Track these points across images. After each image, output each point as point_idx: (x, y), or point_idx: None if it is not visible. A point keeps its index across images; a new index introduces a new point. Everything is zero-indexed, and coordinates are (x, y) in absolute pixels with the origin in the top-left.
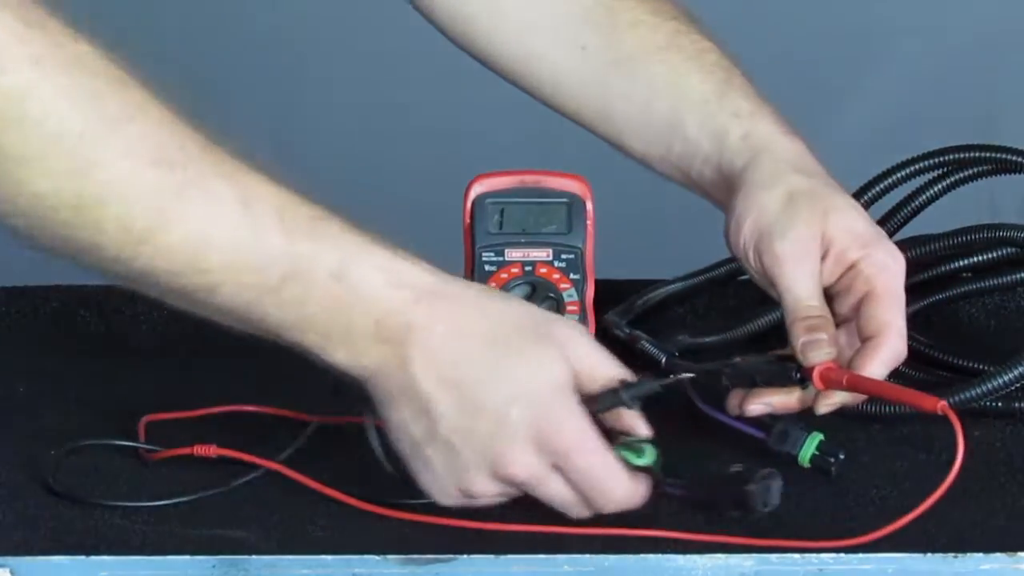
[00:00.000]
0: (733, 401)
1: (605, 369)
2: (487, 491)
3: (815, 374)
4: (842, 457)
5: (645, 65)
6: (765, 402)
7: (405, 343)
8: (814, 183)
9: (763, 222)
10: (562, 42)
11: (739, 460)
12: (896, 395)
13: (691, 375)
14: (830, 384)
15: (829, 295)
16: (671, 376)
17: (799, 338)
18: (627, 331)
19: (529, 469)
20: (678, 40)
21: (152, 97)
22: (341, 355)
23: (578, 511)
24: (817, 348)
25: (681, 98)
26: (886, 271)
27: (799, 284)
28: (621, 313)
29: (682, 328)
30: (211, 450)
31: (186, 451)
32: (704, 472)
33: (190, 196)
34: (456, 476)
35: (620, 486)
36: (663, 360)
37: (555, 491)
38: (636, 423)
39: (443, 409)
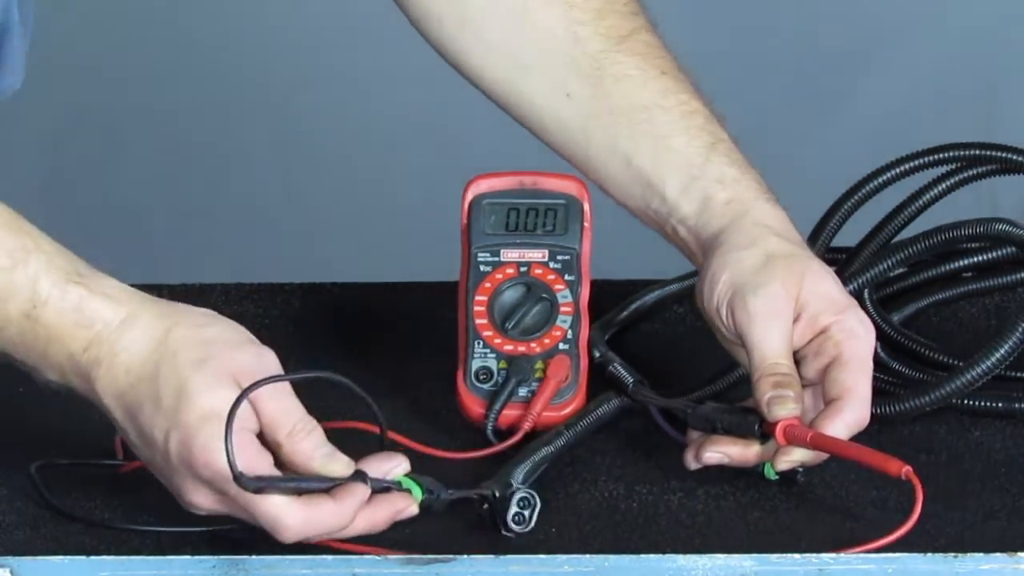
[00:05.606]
0: (690, 452)
1: (280, 402)
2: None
3: (778, 429)
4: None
5: (628, 123)
6: (722, 451)
7: (93, 379)
8: (792, 247)
9: (739, 279)
10: (548, 86)
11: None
12: (860, 456)
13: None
14: (793, 440)
15: (797, 358)
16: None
17: (765, 393)
18: (601, 351)
19: (206, 504)
20: (665, 100)
21: None
22: (53, 377)
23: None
24: (782, 404)
25: (663, 159)
26: (856, 338)
27: (769, 340)
28: (601, 328)
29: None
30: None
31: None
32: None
33: None
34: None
35: (282, 516)
36: (630, 385)
37: (252, 519)
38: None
39: (132, 439)
